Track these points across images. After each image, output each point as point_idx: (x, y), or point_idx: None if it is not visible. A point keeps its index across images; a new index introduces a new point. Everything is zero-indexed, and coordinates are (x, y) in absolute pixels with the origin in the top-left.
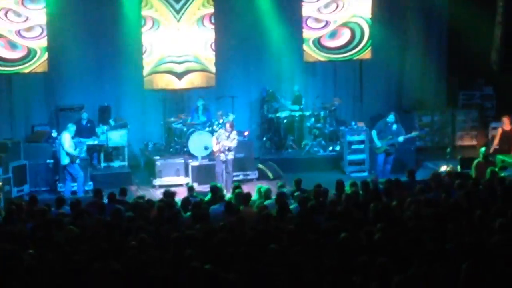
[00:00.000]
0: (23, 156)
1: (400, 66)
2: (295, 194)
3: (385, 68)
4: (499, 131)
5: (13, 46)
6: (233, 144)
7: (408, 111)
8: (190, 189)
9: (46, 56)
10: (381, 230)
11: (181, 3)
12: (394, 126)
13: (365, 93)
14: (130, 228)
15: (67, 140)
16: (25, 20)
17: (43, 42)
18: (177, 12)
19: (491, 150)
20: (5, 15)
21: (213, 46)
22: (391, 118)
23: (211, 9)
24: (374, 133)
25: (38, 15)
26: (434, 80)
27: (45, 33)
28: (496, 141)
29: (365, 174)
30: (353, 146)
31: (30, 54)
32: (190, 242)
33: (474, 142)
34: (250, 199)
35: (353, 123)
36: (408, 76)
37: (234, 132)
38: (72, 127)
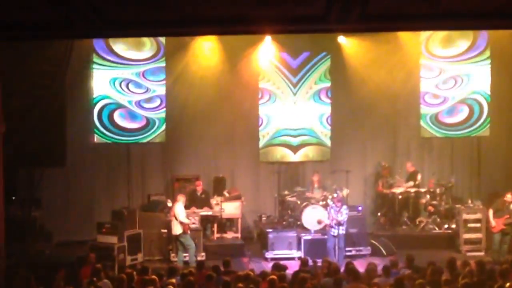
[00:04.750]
0: (138, 224)
1: None
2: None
3: (505, 146)
4: None
5: (132, 116)
6: (343, 218)
7: None
8: (303, 262)
9: (164, 126)
10: None
11: (298, 77)
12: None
13: (483, 170)
14: None
15: (180, 210)
16: (145, 92)
17: (162, 113)
18: (294, 85)
19: None
20: (127, 86)
21: (329, 120)
22: (508, 197)
23: (327, 84)
24: (490, 212)
25: (158, 87)
26: None
27: (164, 104)
28: None
29: (481, 253)
30: (469, 225)
31: (149, 124)
32: None
33: None
34: (359, 275)
35: (470, 201)
36: None
37: (344, 207)
38: (181, 198)
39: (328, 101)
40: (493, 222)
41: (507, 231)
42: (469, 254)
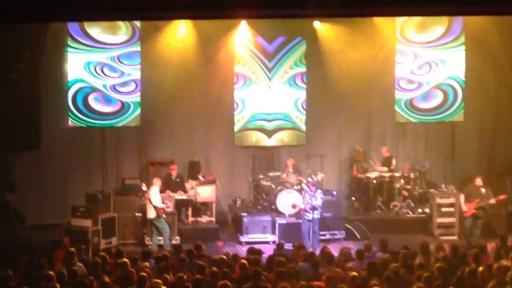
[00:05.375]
0: (113, 208)
1: (494, 130)
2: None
3: (478, 131)
4: None
5: (107, 100)
6: (318, 203)
7: (500, 175)
8: (279, 246)
9: (139, 110)
10: None
11: (273, 61)
12: (482, 190)
13: (456, 155)
14: (214, 283)
15: (155, 194)
16: (120, 75)
17: (137, 97)
18: (269, 70)
19: None
20: (101, 70)
21: (304, 105)
22: (478, 181)
23: (303, 68)
24: (461, 197)
25: (133, 71)
26: None
27: (139, 88)
28: None
29: (455, 237)
30: (443, 209)
31: (124, 108)
32: None
33: None
34: (333, 259)
35: (443, 185)
36: (501, 140)
37: (319, 191)
38: (157, 182)
39: (304, 86)
40: (464, 207)
41: (478, 215)
42: (442, 238)
